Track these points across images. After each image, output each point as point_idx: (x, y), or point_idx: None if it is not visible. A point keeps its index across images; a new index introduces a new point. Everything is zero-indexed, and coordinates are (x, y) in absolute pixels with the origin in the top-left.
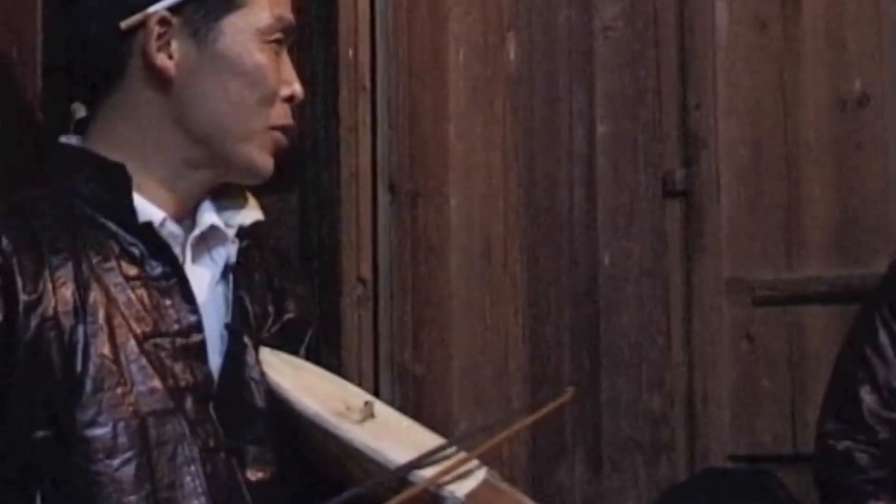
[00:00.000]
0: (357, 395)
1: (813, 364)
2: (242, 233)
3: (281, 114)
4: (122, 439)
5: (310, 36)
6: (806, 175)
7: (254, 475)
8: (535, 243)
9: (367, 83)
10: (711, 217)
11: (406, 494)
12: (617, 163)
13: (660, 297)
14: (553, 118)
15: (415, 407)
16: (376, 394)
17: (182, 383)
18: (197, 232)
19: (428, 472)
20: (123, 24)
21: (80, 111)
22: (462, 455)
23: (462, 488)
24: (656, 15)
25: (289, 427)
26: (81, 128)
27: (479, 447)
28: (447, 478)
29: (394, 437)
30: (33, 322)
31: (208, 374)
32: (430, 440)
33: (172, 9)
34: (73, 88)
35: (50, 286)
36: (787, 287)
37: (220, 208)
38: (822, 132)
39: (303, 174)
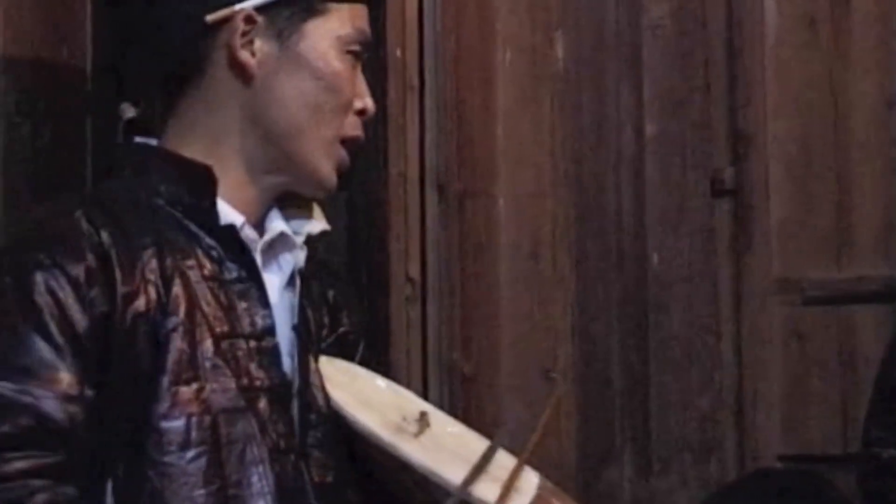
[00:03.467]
0: (413, 404)
1: (863, 364)
2: (309, 242)
3: (353, 125)
4: (195, 434)
5: None
6: (855, 173)
7: (318, 478)
8: (583, 243)
9: (415, 83)
10: (760, 216)
11: None
12: (665, 162)
13: (709, 297)
14: (601, 117)
15: (463, 406)
16: (425, 394)
17: (256, 383)
18: (267, 238)
19: (487, 492)
20: (209, 18)
21: (128, 112)
22: (513, 467)
23: None
24: (705, 13)
25: (347, 435)
26: (132, 128)
27: (524, 451)
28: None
29: (449, 451)
30: (129, 315)
31: (283, 377)
32: (482, 448)
33: (259, 8)
34: (143, 88)
35: (141, 281)
36: (837, 286)
37: (287, 217)
38: (872, 130)
39: (351, 174)
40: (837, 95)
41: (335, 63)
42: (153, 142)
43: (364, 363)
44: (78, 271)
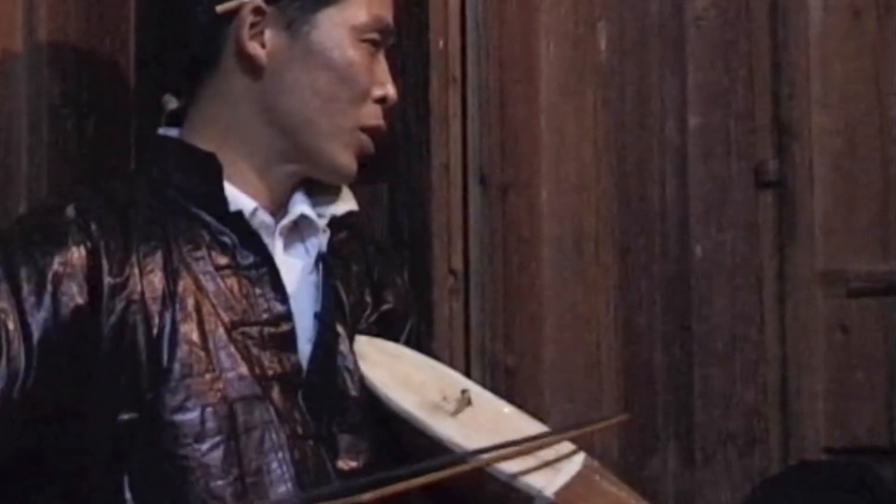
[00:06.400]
0: (455, 383)
1: None
2: (336, 223)
3: (371, 114)
4: (211, 424)
5: (400, 27)
6: None
7: (346, 464)
8: (626, 235)
9: (458, 74)
10: (805, 208)
11: (454, 471)
12: (709, 154)
13: (753, 289)
14: (644, 109)
15: (506, 398)
16: None
17: (269, 372)
18: (286, 221)
19: (510, 465)
20: (219, 9)
21: (170, 103)
22: (538, 447)
23: (552, 485)
24: (748, 4)
25: (382, 417)
26: (173, 119)
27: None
28: (530, 467)
29: (487, 429)
30: (118, 305)
31: (296, 363)
32: (528, 428)
33: None
34: (171, 79)
35: (137, 271)
36: (882, 278)
37: (314, 199)
38: None
39: (393, 166)
40: (882, 87)
41: (349, 53)
42: (174, 132)
43: (412, 342)
44: (46, 263)
